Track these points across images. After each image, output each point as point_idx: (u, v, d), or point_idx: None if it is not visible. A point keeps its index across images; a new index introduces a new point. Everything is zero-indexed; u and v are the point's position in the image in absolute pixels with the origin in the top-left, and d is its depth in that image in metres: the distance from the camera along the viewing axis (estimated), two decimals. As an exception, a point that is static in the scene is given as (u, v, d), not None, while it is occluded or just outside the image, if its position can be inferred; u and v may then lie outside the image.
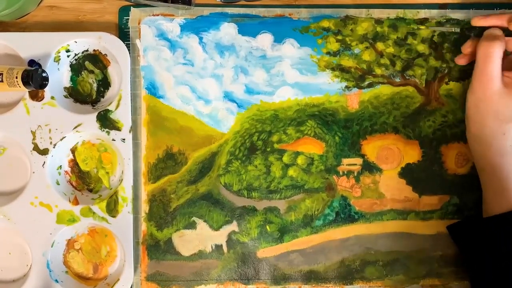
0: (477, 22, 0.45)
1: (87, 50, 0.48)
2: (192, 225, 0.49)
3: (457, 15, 0.49)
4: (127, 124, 0.47)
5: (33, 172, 0.47)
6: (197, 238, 0.49)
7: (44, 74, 0.44)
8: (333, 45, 0.49)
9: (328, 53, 0.49)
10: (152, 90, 0.49)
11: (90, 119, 0.47)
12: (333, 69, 0.49)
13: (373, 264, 0.49)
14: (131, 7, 0.49)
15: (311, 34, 0.49)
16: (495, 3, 0.49)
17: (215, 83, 0.49)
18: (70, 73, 0.49)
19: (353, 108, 0.49)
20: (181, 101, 0.49)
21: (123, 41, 0.47)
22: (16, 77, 0.43)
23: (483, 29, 0.45)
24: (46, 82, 0.45)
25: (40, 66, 0.46)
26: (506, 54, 0.44)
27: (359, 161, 0.49)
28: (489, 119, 0.42)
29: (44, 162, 0.47)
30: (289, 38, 0.49)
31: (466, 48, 0.46)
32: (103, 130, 0.47)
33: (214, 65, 0.49)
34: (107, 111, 0.47)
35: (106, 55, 0.48)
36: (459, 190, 0.49)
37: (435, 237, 0.49)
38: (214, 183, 0.49)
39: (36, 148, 0.47)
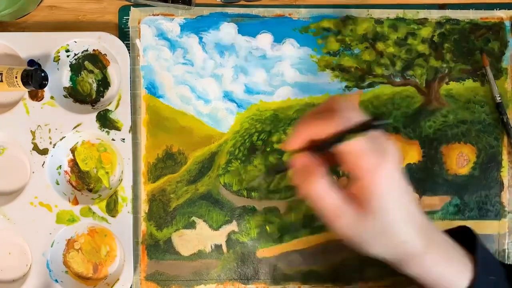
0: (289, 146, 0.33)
1: (86, 50, 0.48)
2: (191, 225, 0.49)
3: (457, 15, 0.49)
4: (126, 124, 0.47)
5: (33, 172, 0.47)
6: (197, 238, 0.49)
7: (43, 74, 0.44)
8: (333, 45, 0.49)
9: (328, 53, 0.49)
10: (152, 89, 0.49)
11: (89, 119, 0.47)
12: (333, 69, 0.49)
13: (373, 264, 0.49)
14: (131, 7, 0.49)
15: (311, 34, 0.49)
16: (495, 3, 0.49)
17: (215, 83, 0.49)
18: (69, 73, 0.49)
19: (353, 108, 0.49)
20: (180, 101, 0.49)
21: (123, 41, 0.47)
22: (16, 77, 0.43)
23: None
24: (46, 82, 0.45)
25: (39, 66, 0.46)
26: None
27: (359, 161, 0.49)
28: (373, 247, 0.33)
29: (44, 162, 0.47)
30: (289, 38, 0.49)
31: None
32: (103, 130, 0.47)
33: (214, 65, 0.49)
34: (107, 111, 0.47)
35: (106, 55, 0.48)
36: (460, 190, 0.49)
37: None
38: (214, 183, 0.49)
39: (35, 148, 0.47)
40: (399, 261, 0.34)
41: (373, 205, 0.31)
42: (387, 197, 0.31)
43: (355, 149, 0.31)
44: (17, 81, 0.43)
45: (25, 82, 0.43)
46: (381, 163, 0.31)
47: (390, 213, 0.31)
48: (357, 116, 0.31)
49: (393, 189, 0.31)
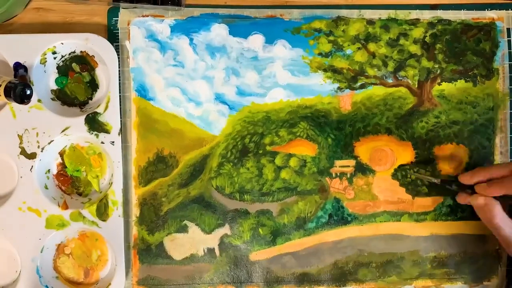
0: (464, 180, 0.45)
1: (74, 52, 0.48)
2: (183, 229, 0.48)
3: (449, 15, 0.49)
4: (116, 127, 0.46)
5: (21, 177, 0.46)
6: (189, 241, 0.48)
7: (28, 92, 0.42)
8: (325, 46, 0.49)
9: (320, 54, 0.49)
10: (142, 92, 0.48)
11: (78, 122, 0.46)
12: (325, 70, 0.49)
13: (366, 266, 0.49)
14: (120, 8, 0.48)
15: (303, 35, 0.49)
16: (486, 4, 0.49)
17: (206, 84, 0.49)
18: (57, 75, 0.48)
19: (345, 110, 0.49)
20: (171, 103, 0.48)
21: (112, 43, 0.46)
22: (0, 85, 0.41)
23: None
24: (27, 101, 0.42)
25: (26, 69, 0.45)
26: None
27: (352, 162, 0.49)
28: None
29: (32, 166, 0.46)
30: (281, 39, 0.48)
31: (462, 200, 0.47)
32: (92, 133, 0.46)
33: (205, 66, 0.48)
34: (96, 113, 0.46)
35: (94, 56, 0.48)
36: (453, 191, 0.49)
37: (428, 239, 0.49)
38: (206, 186, 0.48)
39: (23, 152, 0.46)
40: None
41: None
42: None
43: None
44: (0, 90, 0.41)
45: (7, 94, 0.41)
46: None
47: None
48: None
49: None
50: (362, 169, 0.49)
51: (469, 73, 0.49)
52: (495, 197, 0.43)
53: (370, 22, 0.49)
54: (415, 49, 0.49)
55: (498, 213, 0.42)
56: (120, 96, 0.47)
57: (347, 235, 0.49)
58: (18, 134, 0.46)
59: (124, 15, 0.48)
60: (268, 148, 0.49)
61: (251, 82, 0.49)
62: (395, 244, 0.49)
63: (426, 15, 0.49)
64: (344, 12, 0.48)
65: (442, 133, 0.49)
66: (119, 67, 0.47)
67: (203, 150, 0.48)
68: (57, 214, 0.46)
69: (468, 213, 0.49)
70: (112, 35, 0.48)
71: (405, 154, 0.49)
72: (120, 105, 0.47)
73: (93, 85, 0.48)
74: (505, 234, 0.43)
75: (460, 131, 0.49)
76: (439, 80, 0.49)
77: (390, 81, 0.49)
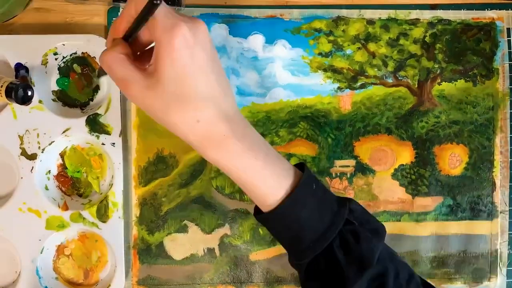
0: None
1: (75, 53, 0.48)
2: (183, 229, 0.48)
3: (448, 15, 0.49)
4: (116, 128, 0.46)
5: (21, 178, 0.46)
6: (189, 241, 0.48)
7: (29, 93, 0.42)
8: (325, 46, 0.49)
9: (320, 54, 0.49)
10: (142, 92, 0.48)
11: (79, 123, 0.46)
12: (325, 70, 0.49)
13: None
14: (120, 8, 0.48)
15: (303, 35, 0.49)
16: (486, 3, 0.49)
17: (206, 85, 0.49)
18: (58, 76, 0.48)
19: (345, 109, 0.49)
20: (172, 104, 0.48)
21: (112, 43, 0.46)
22: (2, 86, 0.41)
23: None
24: (29, 101, 0.42)
25: (27, 69, 0.45)
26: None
27: (352, 162, 0.49)
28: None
29: (33, 167, 0.46)
30: (281, 39, 0.48)
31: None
32: (93, 134, 0.46)
33: (205, 66, 0.48)
34: (96, 114, 0.46)
35: (95, 57, 0.48)
36: (453, 191, 0.49)
37: (428, 239, 0.49)
38: (206, 186, 0.48)
39: (24, 153, 0.46)
40: (200, 142, 0.32)
41: (163, 70, 0.29)
42: (180, 62, 0.29)
43: (156, 15, 0.29)
44: (1, 91, 0.41)
45: (8, 95, 0.41)
46: (179, 22, 0.29)
47: (184, 80, 0.30)
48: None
49: (190, 55, 0.29)
50: (362, 169, 0.49)
51: (469, 73, 0.49)
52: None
53: (370, 22, 0.49)
54: (415, 49, 0.49)
55: (115, 58, 0.31)
56: (120, 96, 0.46)
57: (347, 235, 0.49)
58: (18, 135, 0.46)
59: (124, 15, 0.48)
60: (268, 148, 0.49)
61: (251, 82, 0.49)
62: (395, 244, 0.49)
63: (426, 15, 0.49)
64: (344, 12, 0.48)
65: (442, 133, 0.49)
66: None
67: (203, 151, 0.48)
68: (57, 215, 0.46)
69: (468, 213, 0.49)
70: (112, 36, 0.48)
71: (405, 154, 0.49)
72: (120, 105, 0.47)
73: (94, 87, 0.48)
74: (116, 75, 0.32)
75: (460, 131, 0.49)
76: (439, 80, 0.49)
77: (390, 81, 0.49)
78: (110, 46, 0.33)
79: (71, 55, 0.48)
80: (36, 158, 0.46)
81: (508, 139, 0.49)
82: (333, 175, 0.49)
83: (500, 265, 0.49)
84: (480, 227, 0.48)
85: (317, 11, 0.49)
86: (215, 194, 0.48)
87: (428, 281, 0.49)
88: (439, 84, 0.49)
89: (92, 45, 0.46)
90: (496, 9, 0.49)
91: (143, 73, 0.31)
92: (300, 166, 0.37)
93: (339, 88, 0.49)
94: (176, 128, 0.32)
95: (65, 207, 0.47)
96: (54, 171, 0.48)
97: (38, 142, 0.46)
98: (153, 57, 0.30)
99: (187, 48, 0.29)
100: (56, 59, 0.47)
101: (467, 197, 0.49)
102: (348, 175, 0.49)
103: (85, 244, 0.48)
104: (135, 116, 0.48)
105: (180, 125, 0.31)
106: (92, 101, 0.48)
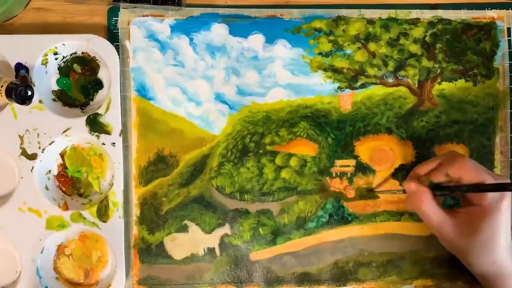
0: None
1: (75, 53, 0.48)
2: (184, 228, 0.48)
3: (449, 15, 0.49)
4: (117, 128, 0.46)
5: (22, 177, 0.46)
6: (189, 241, 0.48)
7: (29, 93, 0.42)
8: (325, 46, 0.49)
9: (320, 53, 0.49)
10: (142, 92, 0.48)
11: (79, 123, 0.46)
12: (325, 69, 0.49)
13: (367, 265, 0.49)
14: (120, 8, 0.48)
15: (303, 35, 0.49)
16: (486, 3, 0.49)
17: (206, 84, 0.49)
18: (58, 76, 0.48)
19: (345, 109, 0.49)
20: (171, 103, 0.48)
21: (112, 43, 0.46)
22: (2, 86, 0.41)
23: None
24: (29, 101, 0.42)
25: (27, 69, 0.45)
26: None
27: (352, 162, 0.49)
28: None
29: (33, 167, 0.46)
30: (281, 39, 0.48)
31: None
32: (93, 134, 0.46)
33: (205, 66, 0.49)
34: (97, 114, 0.46)
35: (95, 57, 0.48)
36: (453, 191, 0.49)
37: (428, 238, 0.49)
38: (206, 186, 0.48)
39: (24, 153, 0.46)
40: (487, 277, 0.42)
41: (483, 229, 0.40)
42: (498, 221, 0.40)
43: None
44: (1, 91, 0.41)
45: (8, 95, 0.41)
46: (506, 194, 0.41)
47: (495, 234, 0.40)
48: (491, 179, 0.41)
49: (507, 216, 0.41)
50: (362, 168, 0.49)
51: (469, 73, 0.49)
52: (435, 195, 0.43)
53: (370, 21, 0.49)
54: (415, 48, 0.49)
55: (426, 200, 0.42)
56: (120, 96, 0.46)
57: (347, 234, 0.49)
58: (19, 135, 0.46)
59: (124, 15, 0.48)
60: (268, 147, 0.49)
61: (251, 81, 0.49)
62: (396, 244, 0.49)
63: (426, 15, 0.49)
64: (344, 12, 0.48)
65: (442, 133, 0.49)
66: (119, 67, 0.47)
67: (203, 150, 0.48)
68: (57, 215, 0.46)
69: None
70: (112, 35, 0.48)
71: (406, 154, 0.49)
72: (121, 105, 0.47)
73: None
74: (432, 222, 0.42)
75: (460, 131, 0.49)
76: (439, 80, 0.49)
77: (390, 80, 0.49)
78: (417, 190, 0.42)
79: (71, 55, 0.48)
80: (36, 158, 0.46)
81: (508, 138, 0.49)
82: (333, 175, 0.49)
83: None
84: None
85: (317, 10, 0.49)
86: (216, 193, 0.48)
87: (429, 281, 0.49)
88: (439, 83, 0.49)
89: (92, 45, 0.46)
90: (497, 9, 0.49)
91: (453, 219, 0.42)
92: None
93: (339, 87, 0.49)
94: (469, 265, 0.43)
95: (66, 207, 0.47)
96: (54, 171, 0.48)
97: (38, 142, 0.46)
98: (467, 210, 0.42)
99: (508, 210, 0.41)
100: (56, 59, 0.47)
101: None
102: (349, 175, 0.49)
103: (86, 244, 0.48)
104: (135, 116, 0.48)
105: (475, 266, 0.42)
106: (92, 101, 0.48)
